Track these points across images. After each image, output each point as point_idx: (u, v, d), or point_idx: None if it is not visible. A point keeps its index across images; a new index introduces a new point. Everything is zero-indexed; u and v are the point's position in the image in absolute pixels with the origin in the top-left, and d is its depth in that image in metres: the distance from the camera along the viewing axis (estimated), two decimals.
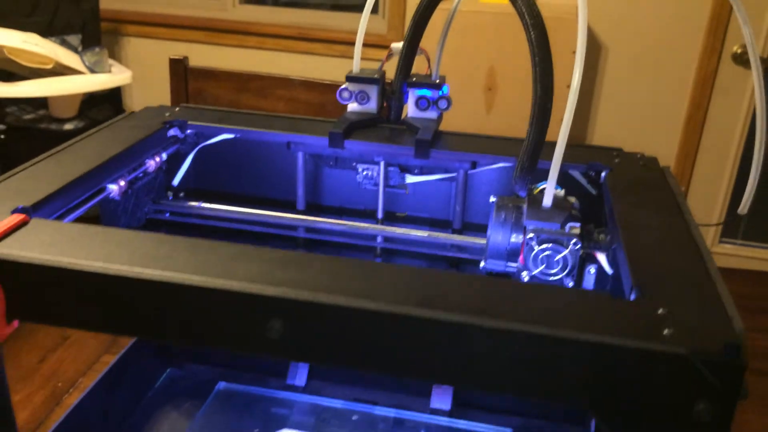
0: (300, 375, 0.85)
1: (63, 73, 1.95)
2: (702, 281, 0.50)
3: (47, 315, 0.51)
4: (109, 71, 2.06)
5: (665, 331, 0.44)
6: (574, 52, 0.58)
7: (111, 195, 0.69)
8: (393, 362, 0.47)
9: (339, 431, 0.77)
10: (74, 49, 2.11)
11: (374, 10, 2.33)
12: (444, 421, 0.79)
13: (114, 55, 2.44)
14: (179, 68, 1.46)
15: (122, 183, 0.70)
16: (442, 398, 0.83)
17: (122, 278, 0.48)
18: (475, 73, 1.92)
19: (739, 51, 2.10)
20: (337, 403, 0.81)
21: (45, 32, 2.00)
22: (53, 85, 1.92)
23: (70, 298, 0.50)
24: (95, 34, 2.27)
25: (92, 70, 2.01)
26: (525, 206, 0.64)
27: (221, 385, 0.84)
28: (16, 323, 0.51)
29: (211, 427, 0.78)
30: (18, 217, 0.53)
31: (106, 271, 0.48)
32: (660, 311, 0.46)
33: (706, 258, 0.53)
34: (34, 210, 0.56)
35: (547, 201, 0.63)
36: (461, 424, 0.79)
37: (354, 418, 0.79)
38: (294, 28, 2.34)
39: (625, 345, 0.43)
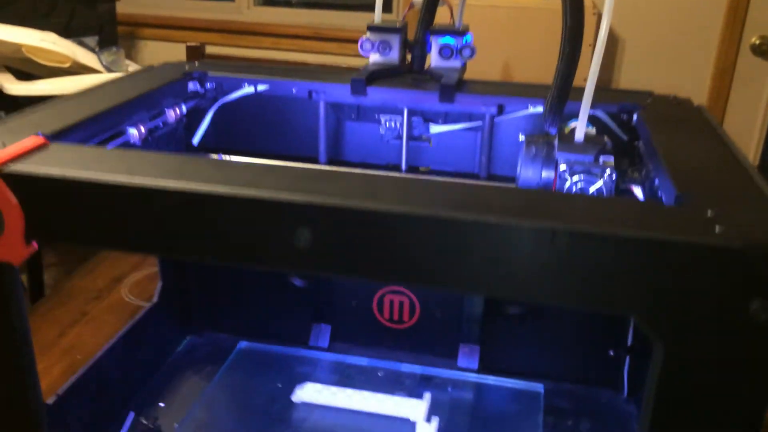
0: (322, 337, 0.83)
1: (80, 73, 1.96)
2: (749, 188, 0.48)
3: (68, 234, 0.49)
4: (126, 71, 2.07)
5: (717, 229, 0.41)
6: (590, 45, 0.57)
7: (131, 141, 0.67)
8: (428, 271, 0.44)
9: (364, 387, 0.74)
10: (91, 50, 2.12)
11: (388, 9, 2.33)
12: (472, 377, 0.77)
13: (131, 58, 2.45)
14: (196, 55, 1.46)
15: (142, 129, 0.68)
16: (469, 358, 0.80)
17: (146, 190, 0.46)
18: (490, 68, 1.91)
19: (757, 42, 2.07)
20: (362, 361, 0.78)
21: (61, 34, 2.01)
22: (70, 84, 1.92)
23: (92, 214, 0.48)
24: (112, 37, 2.29)
25: (109, 69, 2.02)
26: (556, 141, 0.62)
27: (243, 344, 0.82)
28: (35, 245, 0.50)
29: (232, 384, 0.76)
30: (37, 139, 0.52)
31: (130, 183, 0.46)
32: (709, 213, 0.44)
33: (750, 170, 0.51)
34: (53, 139, 0.55)
35: (579, 135, 0.61)
36: (490, 380, 0.76)
37: (379, 374, 0.76)
38: (309, 29, 2.35)
39: (676, 240, 0.40)
